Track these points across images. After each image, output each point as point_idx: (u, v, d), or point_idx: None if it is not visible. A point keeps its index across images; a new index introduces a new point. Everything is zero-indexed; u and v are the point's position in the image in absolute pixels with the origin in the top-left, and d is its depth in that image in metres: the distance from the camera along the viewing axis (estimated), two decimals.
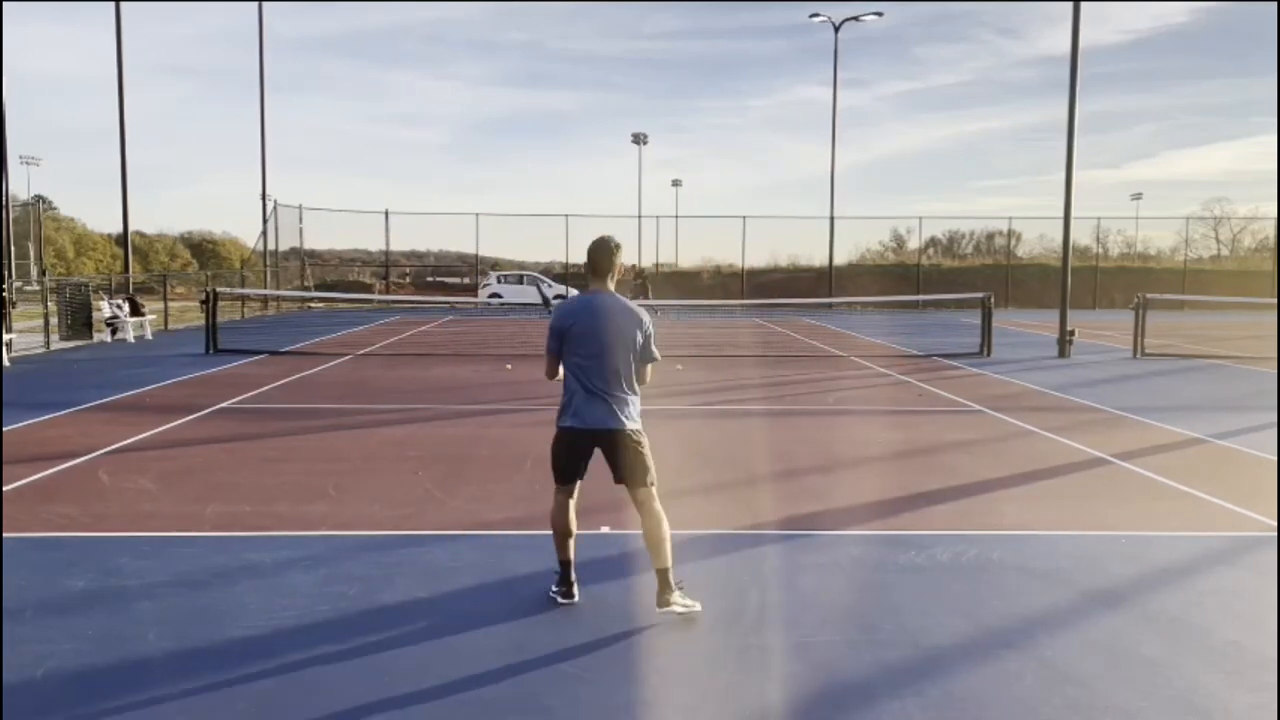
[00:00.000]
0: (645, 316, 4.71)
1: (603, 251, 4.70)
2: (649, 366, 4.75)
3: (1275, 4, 37.30)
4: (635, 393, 4.71)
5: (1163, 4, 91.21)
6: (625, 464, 4.64)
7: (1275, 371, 14.70)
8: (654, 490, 4.68)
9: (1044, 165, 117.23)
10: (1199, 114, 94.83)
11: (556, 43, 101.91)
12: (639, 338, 4.64)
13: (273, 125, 70.51)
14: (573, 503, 4.82)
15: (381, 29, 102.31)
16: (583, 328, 4.59)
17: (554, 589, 4.84)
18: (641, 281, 36.19)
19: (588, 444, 4.68)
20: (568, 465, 4.75)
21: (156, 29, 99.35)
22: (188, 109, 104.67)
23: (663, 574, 4.56)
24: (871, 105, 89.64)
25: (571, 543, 4.82)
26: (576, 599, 4.78)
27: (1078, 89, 17.26)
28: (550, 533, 4.85)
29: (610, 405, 4.60)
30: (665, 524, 4.62)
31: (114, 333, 20.25)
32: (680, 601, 4.56)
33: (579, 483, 4.83)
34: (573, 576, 4.82)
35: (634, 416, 4.68)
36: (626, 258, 5.17)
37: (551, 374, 4.78)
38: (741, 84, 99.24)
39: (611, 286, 4.72)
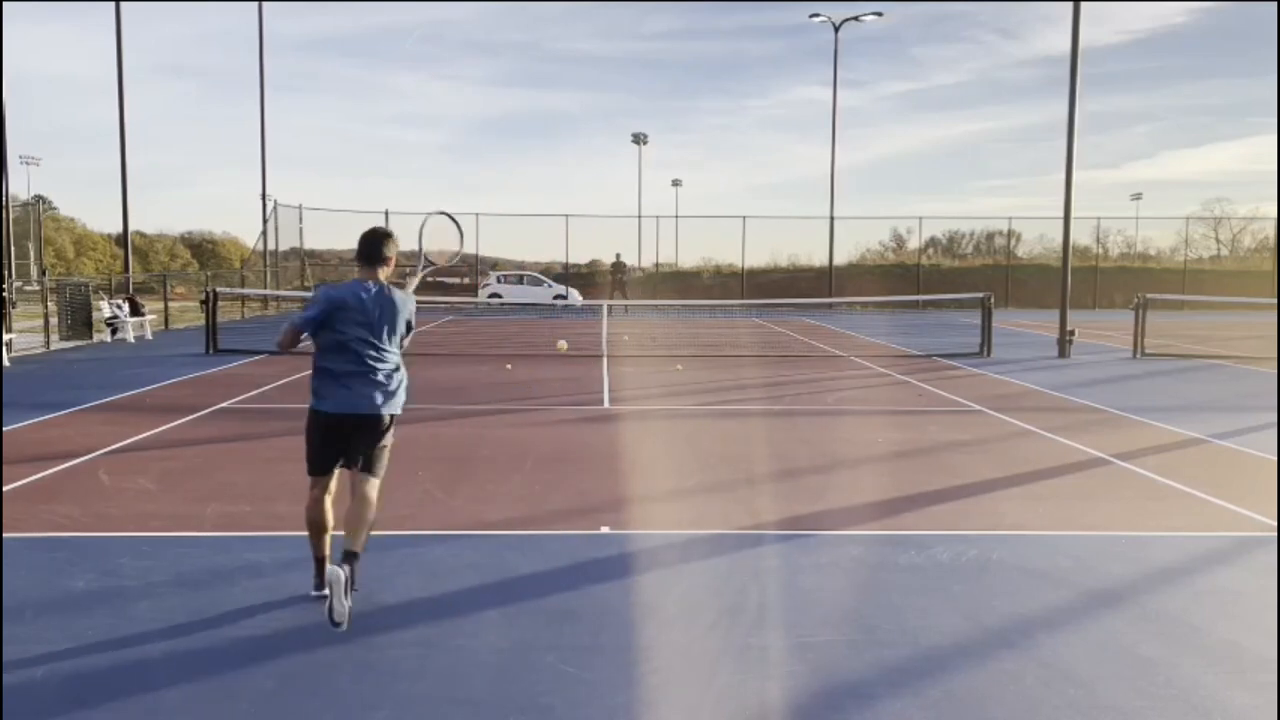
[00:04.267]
0: (412, 303, 4.79)
1: (374, 243, 4.70)
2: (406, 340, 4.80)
3: (1275, 4, 37.30)
4: (398, 379, 4.72)
5: (1162, 4, 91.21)
6: (370, 452, 4.64)
7: (1275, 371, 14.70)
8: (378, 482, 4.67)
9: (1044, 165, 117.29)
10: (1198, 114, 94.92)
11: (555, 43, 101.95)
12: (403, 322, 4.70)
13: (273, 125, 70.76)
14: (329, 497, 4.74)
15: (381, 29, 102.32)
16: (352, 309, 4.56)
17: (314, 589, 4.71)
18: (618, 271, 36.22)
19: (340, 428, 4.62)
20: (322, 453, 4.70)
21: (156, 29, 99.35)
22: (188, 109, 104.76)
23: (350, 555, 4.40)
24: (870, 105, 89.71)
25: (326, 539, 4.73)
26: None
27: (1078, 89, 17.30)
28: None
29: (374, 389, 4.60)
30: (373, 512, 4.58)
31: (114, 333, 20.26)
32: (341, 586, 4.23)
33: (336, 474, 4.75)
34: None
35: (395, 404, 4.68)
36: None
37: (289, 345, 4.64)
38: (741, 84, 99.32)
39: (383, 278, 4.72)
